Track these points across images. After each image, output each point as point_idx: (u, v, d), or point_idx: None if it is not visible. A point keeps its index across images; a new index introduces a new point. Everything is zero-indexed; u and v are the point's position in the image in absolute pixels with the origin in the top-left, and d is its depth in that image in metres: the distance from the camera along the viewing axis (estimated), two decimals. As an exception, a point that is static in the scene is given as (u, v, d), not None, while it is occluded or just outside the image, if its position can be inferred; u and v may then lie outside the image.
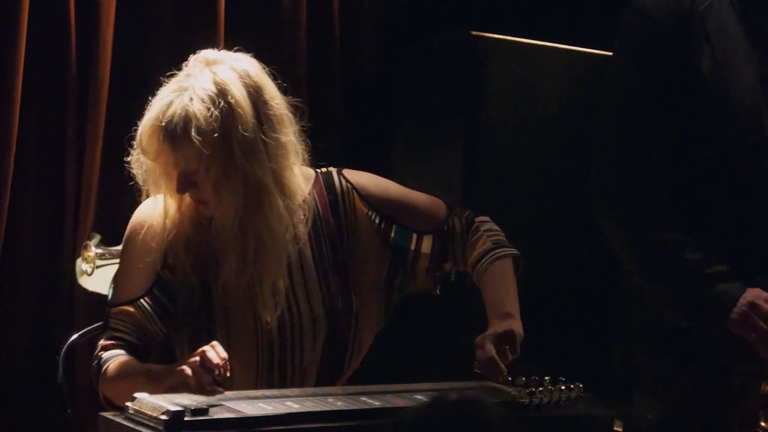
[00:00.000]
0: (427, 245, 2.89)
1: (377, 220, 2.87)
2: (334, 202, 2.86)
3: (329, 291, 2.80)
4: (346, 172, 2.91)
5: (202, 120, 2.64)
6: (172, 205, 2.75)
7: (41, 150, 3.70)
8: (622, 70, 2.89)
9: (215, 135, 2.64)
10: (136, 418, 2.34)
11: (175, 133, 2.64)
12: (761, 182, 2.82)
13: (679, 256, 2.78)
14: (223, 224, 2.72)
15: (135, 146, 2.73)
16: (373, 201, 2.88)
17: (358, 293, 2.83)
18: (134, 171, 2.75)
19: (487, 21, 4.23)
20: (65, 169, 3.70)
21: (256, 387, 2.71)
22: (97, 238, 3.57)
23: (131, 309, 2.73)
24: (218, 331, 2.73)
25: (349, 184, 2.88)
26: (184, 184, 2.69)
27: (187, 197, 2.74)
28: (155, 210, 2.77)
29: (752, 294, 2.74)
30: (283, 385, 2.75)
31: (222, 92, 2.66)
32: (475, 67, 4.07)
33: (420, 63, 4.26)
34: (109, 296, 2.87)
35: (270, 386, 2.73)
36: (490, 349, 2.63)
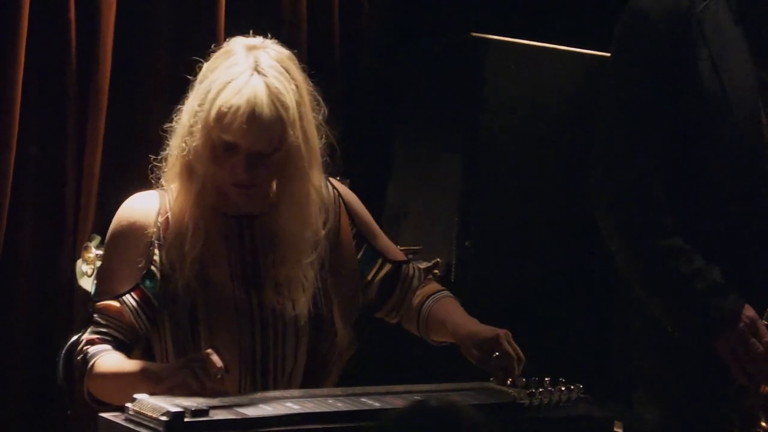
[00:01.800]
0: (382, 274, 2.92)
1: (353, 235, 2.88)
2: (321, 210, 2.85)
3: (313, 297, 2.79)
4: (333, 181, 2.91)
5: (286, 97, 2.63)
6: (176, 198, 2.72)
7: (41, 151, 3.69)
8: (620, 72, 2.89)
9: (295, 111, 2.65)
10: (137, 419, 2.34)
11: (262, 112, 2.60)
12: (760, 184, 2.82)
13: (673, 266, 2.78)
14: (280, 218, 2.71)
15: (197, 128, 2.66)
16: (355, 216, 2.90)
17: (336, 303, 2.82)
18: (172, 153, 2.71)
19: (487, 22, 4.23)
20: (65, 170, 3.70)
21: (238, 389, 2.69)
22: (97, 239, 3.57)
23: (117, 304, 2.70)
24: (201, 329, 2.70)
25: (336, 192, 2.89)
26: (249, 165, 2.65)
27: (195, 189, 2.70)
28: (147, 203, 2.76)
29: (744, 323, 2.76)
30: (265, 388, 2.71)
31: (287, 70, 2.67)
32: (475, 68, 4.07)
33: (420, 64, 4.26)
34: (93, 291, 2.85)
35: (253, 389, 2.70)
36: (517, 349, 2.68)
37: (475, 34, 4.08)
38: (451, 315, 2.86)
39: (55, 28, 3.68)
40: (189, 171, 2.71)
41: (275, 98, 2.62)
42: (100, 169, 3.72)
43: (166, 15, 3.88)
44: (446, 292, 2.96)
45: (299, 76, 2.70)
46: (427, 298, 2.93)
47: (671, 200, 2.83)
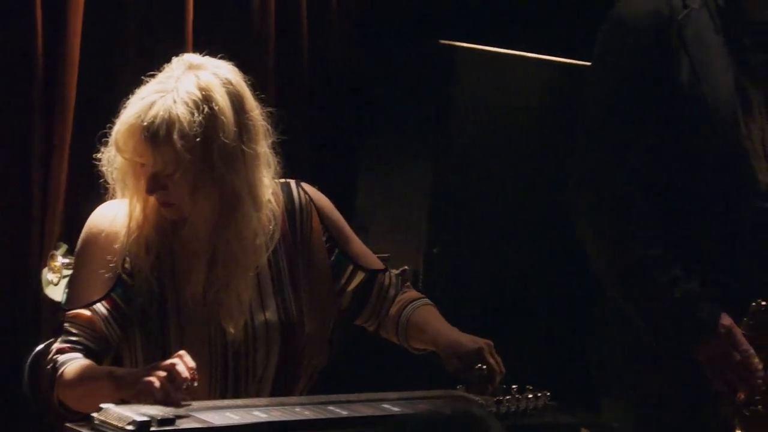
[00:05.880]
0: (355, 282, 2.91)
1: (325, 239, 2.88)
2: (292, 214, 2.86)
3: (284, 303, 2.79)
4: (305, 185, 2.91)
5: (185, 124, 2.62)
6: (137, 206, 2.74)
7: (7, 159, 3.68)
8: (601, 79, 2.89)
9: (197, 140, 2.63)
10: (102, 429, 2.33)
11: (156, 134, 2.62)
12: (739, 191, 2.83)
13: (651, 275, 2.79)
14: (196, 230, 2.71)
15: (109, 144, 2.70)
16: (327, 221, 2.90)
17: (308, 309, 2.82)
18: (104, 169, 2.73)
19: (456, 30, 4.24)
20: (31, 177, 3.68)
21: (208, 396, 2.68)
22: (63, 247, 3.56)
23: (88, 313, 2.69)
24: (172, 337, 2.71)
25: (308, 197, 2.89)
26: (154, 185, 2.67)
27: (151, 200, 2.72)
28: (117, 212, 2.75)
29: (720, 332, 2.76)
30: (236, 395, 2.72)
31: (206, 98, 2.66)
32: (445, 76, 4.07)
33: (389, 72, 4.27)
34: (65, 300, 2.84)
35: (223, 395, 2.70)
36: (499, 361, 2.69)
37: (443, 41, 4.09)
38: (431, 323, 2.86)
39: (21, 36, 3.66)
40: (123, 184, 2.72)
41: (170, 123, 2.62)
42: (66, 178, 3.70)
43: (133, 24, 3.87)
44: (425, 300, 2.95)
45: (224, 103, 2.67)
46: (407, 305, 2.92)
47: (651, 208, 2.83)
